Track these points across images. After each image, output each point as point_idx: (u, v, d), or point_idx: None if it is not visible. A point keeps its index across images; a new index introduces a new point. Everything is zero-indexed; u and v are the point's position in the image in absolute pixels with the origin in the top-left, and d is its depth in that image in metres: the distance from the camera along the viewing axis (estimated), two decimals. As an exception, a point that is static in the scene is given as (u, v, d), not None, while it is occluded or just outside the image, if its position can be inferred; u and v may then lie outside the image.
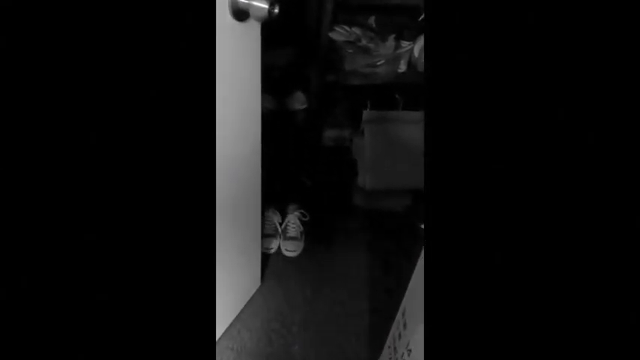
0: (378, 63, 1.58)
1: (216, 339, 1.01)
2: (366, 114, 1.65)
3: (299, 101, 1.27)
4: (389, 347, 0.84)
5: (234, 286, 1.03)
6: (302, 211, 1.35)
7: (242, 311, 1.10)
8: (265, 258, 1.28)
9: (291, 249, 1.28)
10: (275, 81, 1.35)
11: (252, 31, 0.79)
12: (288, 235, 1.30)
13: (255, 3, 0.70)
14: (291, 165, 1.33)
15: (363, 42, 1.56)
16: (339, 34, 1.57)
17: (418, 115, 1.60)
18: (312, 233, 1.38)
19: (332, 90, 1.71)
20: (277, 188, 1.33)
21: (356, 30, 1.58)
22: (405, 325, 0.71)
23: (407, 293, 0.73)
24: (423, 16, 1.53)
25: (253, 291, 1.14)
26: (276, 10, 0.70)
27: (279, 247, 1.30)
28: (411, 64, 1.61)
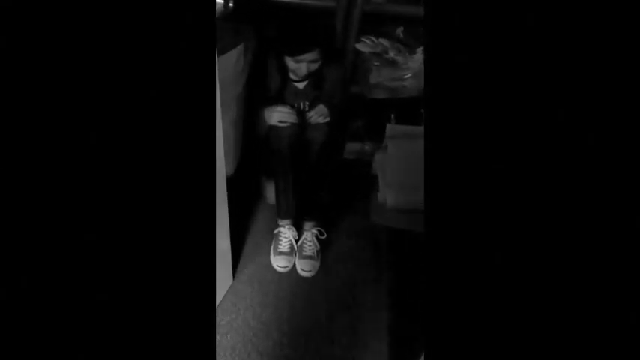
0: (405, 76, 1.52)
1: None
2: (390, 129, 1.59)
3: (322, 114, 1.22)
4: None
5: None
6: (319, 228, 1.30)
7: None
8: (279, 277, 1.23)
9: (306, 269, 1.23)
10: (297, 92, 1.30)
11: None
12: (304, 253, 1.25)
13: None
14: (310, 179, 1.27)
15: (391, 54, 1.51)
16: (366, 45, 1.52)
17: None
18: (327, 251, 1.32)
19: (355, 102, 1.66)
20: (294, 203, 1.28)
21: (383, 41, 1.53)
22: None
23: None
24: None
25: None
26: (231, 4, 0.66)
27: (294, 266, 1.25)
28: (439, 79, 1.55)
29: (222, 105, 1.01)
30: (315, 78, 1.27)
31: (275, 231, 1.30)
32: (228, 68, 1.02)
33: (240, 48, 1.04)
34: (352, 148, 1.75)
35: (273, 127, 1.20)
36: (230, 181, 0.97)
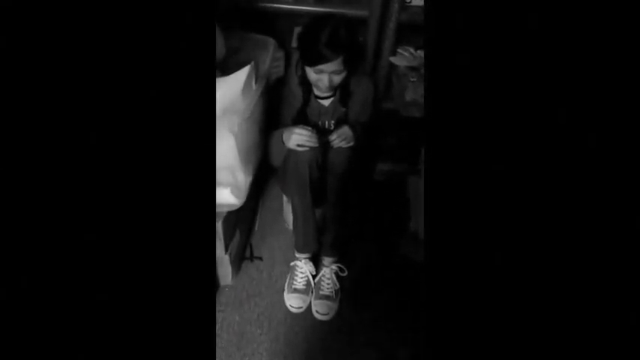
0: (446, 93, 1.34)
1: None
2: (427, 151, 1.42)
3: (345, 138, 1.08)
4: None
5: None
6: (340, 265, 1.16)
7: None
8: (292, 317, 1.10)
9: (323, 312, 1.09)
10: (322, 110, 1.17)
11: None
12: (321, 293, 1.12)
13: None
14: (332, 209, 1.14)
15: (430, 68, 1.34)
16: (402, 58, 1.36)
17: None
18: (348, 289, 1.18)
19: (388, 119, 1.51)
20: (314, 235, 1.15)
21: (422, 54, 1.36)
22: None
23: None
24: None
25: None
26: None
27: (309, 306, 1.12)
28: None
29: (233, 128, 0.92)
30: (341, 94, 1.14)
31: (292, 263, 1.18)
32: (238, 86, 0.92)
33: (248, 68, 0.93)
34: (382, 168, 1.59)
35: (292, 151, 1.08)
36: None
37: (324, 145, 1.08)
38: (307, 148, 1.05)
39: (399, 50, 1.38)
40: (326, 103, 1.17)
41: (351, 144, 1.08)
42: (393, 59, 1.36)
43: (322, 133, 1.10)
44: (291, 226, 1.28)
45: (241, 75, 0.90)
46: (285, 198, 1.34)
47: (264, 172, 1.37)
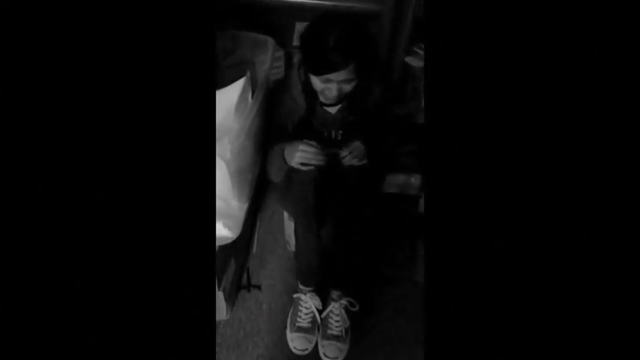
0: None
1: None
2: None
3: (357, 155, 0.93)
4: None
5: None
6: (350, 299, 1.01)
7: None
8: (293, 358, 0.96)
9: (331, 355, 0.95)
10: (328, 119, 1.02)
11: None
12: (329, 332, 0.97)
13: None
14: (340, 236, 0.99)
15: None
16: (419, 57, 1.21)
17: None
18: (361, 326, 1.03)
19: (402, 126, 1.36)
20: (319, 265, 1.00)
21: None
22: None
23: None
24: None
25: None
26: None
27: (315, 346, 0.97)
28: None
29: (224, 153, 0.77)
30: (351, 100, 0.98)
31: (295, 296, 1.03)
32: (231, 102, 0.76)
33: (242, 81, 0.77)
34: (395, 180, 1.42)
35: (295, 170, 0.93)
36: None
37: (330, 157, 0.93)
38: (312, 167, 0.91)
39: (415, 49, 1.22)
40: (333, 110, 1.02)
41: (365, 162, 0.93)
42: (408, 59, 1.21)
43: (329, 145, 0.95)
44: (293, 248, 1.14)
45: (234, 90, 0.74)
46: (286, 214, 1.19)
47: (263, 183, 1.22)
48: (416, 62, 1.21)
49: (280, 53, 1.20)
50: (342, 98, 0.95)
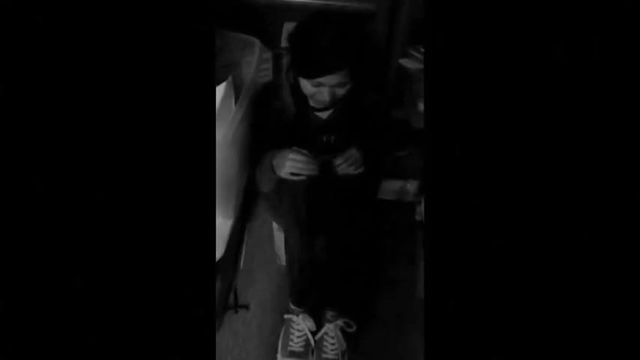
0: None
1: None
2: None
3: (353, 163, 0.86)
4: None
5: None
6: (346, 319, 0.94)
7: None
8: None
9: (326, 382, 0.87)
10: (320, 124, 0.95)
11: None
12: (323, 356, 0.90)
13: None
14: (334, 251, 0.92)
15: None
16: (415, 60, 1.15)
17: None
18: (358, 348, 0.96)
19: (397, 130, 1.30)
20: (312, 284, 0.93)
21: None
22: None
23: None
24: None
25: None
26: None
27: (308, 372, 0.90)
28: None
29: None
30: (344, 104, 0.91)
31: (286, 316, 0.96)
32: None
33: (224, 85, 0.70)
34: (390, 186, 1.37)
35: (285, 181, 0.86)
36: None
37: (323, 166, 0.86)
38: (304, 177, 0.83)
39: (411, 51, 1.16)
40: (324, 115, 0.95)
41: (361, 170, 0.86)
42: (402, 61, 1.15)
43: (321, 152, 0.88)
44: (284, 262, 1.05)
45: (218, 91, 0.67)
46: (275, 224, 1.11)
47: (252, 191, 1.15)
48: (412, 64, 1.15)
49: (268, 55, 1.13)
50: (334, 103, 0.88)
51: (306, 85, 0.82)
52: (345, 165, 0.84)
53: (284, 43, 1.16)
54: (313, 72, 0.78)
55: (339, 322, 0.93)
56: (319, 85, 0.80)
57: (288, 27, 1.18)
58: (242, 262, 1.15)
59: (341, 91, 0.83)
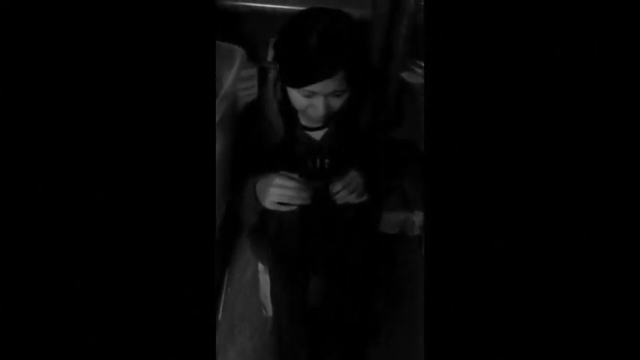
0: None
1: None
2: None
3: (354, 190, 0.71)
4: None
5: None
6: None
7: None
8: None
9: None
10: (312, 146, 0.81)
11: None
12: None
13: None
14: (331, 299, 0.78)
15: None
16: (417, 74, 1.07)
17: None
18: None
19: (400, 153, 1.19)
20: (302, 339, 0.78)
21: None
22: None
23: None
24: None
25: None
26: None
27: None
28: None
29: None
30: (340, 122, 0.79)
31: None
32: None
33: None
34: (393, 218, 1.26)
35: (271, 212, 0.71)
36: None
37: (317, 193, 0.71)
38: (294, 208, 0.68)
39: (412, 66, 1.09)
40: (318, 135, 0.81)
41: (364, 198, 0.71)
42: (404, 75, 1.07)
43: (314, 177, 0.75)
44: (270, 313, 0.91)
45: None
46: (261, 266, 0.97)
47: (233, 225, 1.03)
48: (414, 79, 1.06)
49: (253, 71, 1.01)
50: (329, 118, 0.75)
51: (297, 98, 0.69)
52: (346, 192, 0.70)
53: (270, 58, 1.06)
54: (305, 78, 0.65)
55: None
56: (312, 95, 0.67)
57: (274, 41, 1.10)
58: (221, 313, 0.99)
59: (337, 103, 0.70)
